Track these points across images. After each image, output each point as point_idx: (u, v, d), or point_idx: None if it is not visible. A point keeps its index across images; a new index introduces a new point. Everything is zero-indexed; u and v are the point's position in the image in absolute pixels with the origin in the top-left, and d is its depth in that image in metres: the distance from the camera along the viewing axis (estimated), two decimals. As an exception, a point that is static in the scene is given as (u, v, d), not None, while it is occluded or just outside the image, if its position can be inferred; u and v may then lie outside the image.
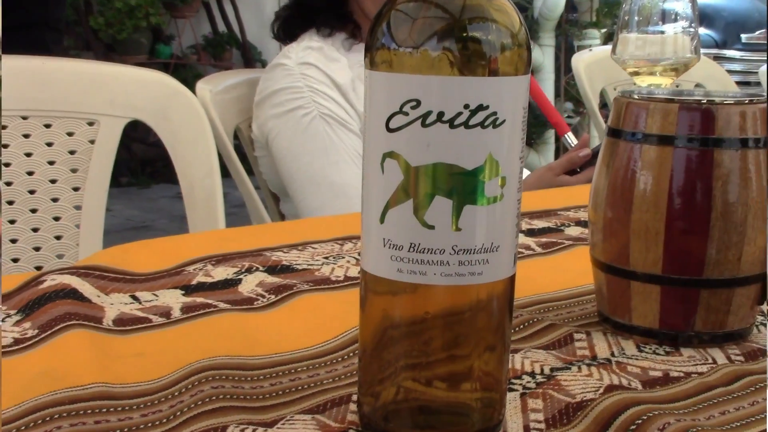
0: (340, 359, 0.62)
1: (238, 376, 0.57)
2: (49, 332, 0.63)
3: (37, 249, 1.26)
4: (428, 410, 0.50)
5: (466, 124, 0.47)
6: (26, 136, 1.23)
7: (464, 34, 0.46)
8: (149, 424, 0.52)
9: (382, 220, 0.49)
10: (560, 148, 5.15)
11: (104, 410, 0.53)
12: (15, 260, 1.24)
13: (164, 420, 0.52)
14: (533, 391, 0.57)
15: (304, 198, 1.44)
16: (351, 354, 0.62)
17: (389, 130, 0.48)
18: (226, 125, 1.48)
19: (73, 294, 0.70)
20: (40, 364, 0.59)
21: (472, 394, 0.50)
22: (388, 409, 0.50)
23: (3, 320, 0.66)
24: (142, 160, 5.44)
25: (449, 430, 0.50)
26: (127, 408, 0.53)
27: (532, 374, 0.60)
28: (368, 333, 0.51)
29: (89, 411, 0.52)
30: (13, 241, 1.24)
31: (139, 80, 1.29)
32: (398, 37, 0.47)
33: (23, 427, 0.50)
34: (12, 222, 1.24)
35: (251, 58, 5.43)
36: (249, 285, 0.77)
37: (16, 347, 0.62)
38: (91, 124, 1.30)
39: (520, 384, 0.58)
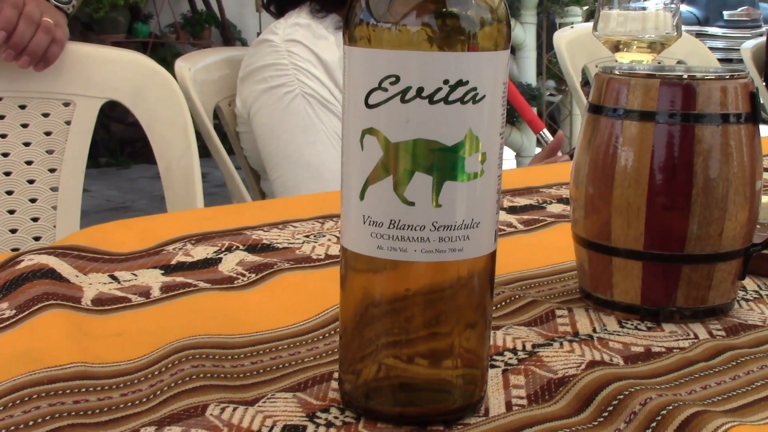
0: (320, 337, 0.62)
1: (218, 355, 0.57)
2: (26, 312, 0.63)
3: (13, 231, 1.25)
4: (409, 387, 0.50)
5: (445, 100, 0.46)
6: (1, 117, 1.22)
7: (443, 10, 0.46)
8: (129, 404, 0.52)
9: (362, 197, 0.49)
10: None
11: (83, 390, 0.53)
12: (-8, 242, 1.24)
13: (144, 399, 0.52)
14: (515, 368, 0.57)
15: (280, 175, 1.45)
16: (332, 332, 0.62)
17: (368, 106, 0.48)
18: (205, 104, 1.47)
19: (51, 274, 0.70)
20: (18, 344, 0.59)
21: (453, 371, 0.51)
22: (370, 386, 0.51)
23: (-20, 302, 0.65)
24: (121, 140, 5.41)
25: (431, 406, 0.51)
26: (106, 387, 0.53)
27: (514, 351, 0.60)
28: (349, 311, 0.51)
29: (68, 391, 0.52)
30: (-10, 222, 1.23)
31: (115, 60, 1.28)
32: (377, 12, 0.47)
33: (1, 408, 0.50)
34: (-12, 203, 1.24)
35: (230, 37, 5.40)
36: (229, 264, 0.76)
37: (-6, 328, 0.61)
38: (66, 104, 1.29)
39: (502, 360, 0.59)
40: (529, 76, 5.09)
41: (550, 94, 5.34)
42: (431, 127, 0.47)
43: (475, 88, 0.47)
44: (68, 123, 1.29)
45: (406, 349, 0.50)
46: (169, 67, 1.47)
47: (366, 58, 0.47)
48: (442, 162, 0.47)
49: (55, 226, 1.27)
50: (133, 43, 5.13)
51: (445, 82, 0.46)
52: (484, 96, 0.47)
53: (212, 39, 5.43)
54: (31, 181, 1.26)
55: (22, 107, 1.23)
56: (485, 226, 0.49)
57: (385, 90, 0.47)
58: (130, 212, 4.58)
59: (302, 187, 1.42)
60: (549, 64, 5.17)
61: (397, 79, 0.47)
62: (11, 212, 1.24)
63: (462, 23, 0.47)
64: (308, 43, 1.47)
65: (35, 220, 1.26)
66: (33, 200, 1.26)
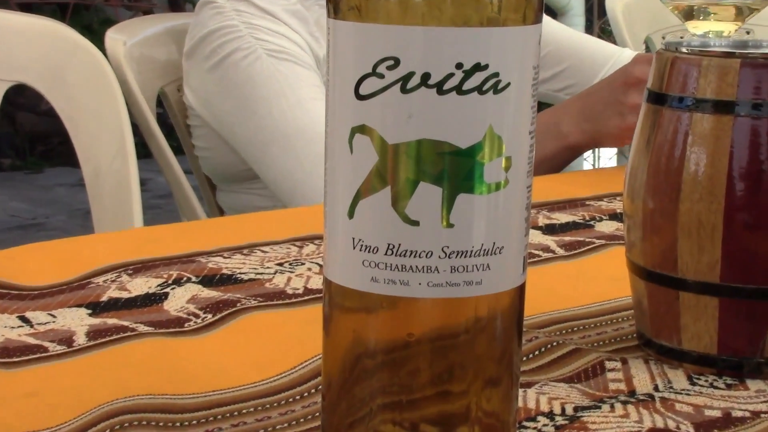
0: (297, 397, 0.63)
1: (164, 421, 0.59)
2: None
3: None
4: (414, 463, 0.52)
5: (458, 89, 0.48)
6: None
7: (456, -29, 0.48)
8: None
9: (350, 215, 0.50)
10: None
11: None
12: None
13: None
14: (552, 437, 0.59)
15: (272, 164, 1.46)
16: (312, 390, 0.64)
17: (359, 97, 0.49)
18: (146, 89, 1.49)
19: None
20: None
21: (470, 441, 0.52)
22: (362, 461, 0.52)
23: None
24: (31, 136, 5.43)
25: (441, 488, 0.52)
26: None
27: (551, 415, 0.61)
28: (334, 363, 0.53)
29: None
30: None
31: (25, 30, 1.30)
32: (371, -26, 0.49)
33: None
34: None
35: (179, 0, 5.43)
36: (178, 301, 0.78)
37: None
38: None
39: (535, 428, 0.60)
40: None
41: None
42: (440, 125, 0.48)
43: (496, 74, 0.49)
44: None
45: (409, 413, 0.51)
46: (97, 38, 1.49)
47: (357, 35, 0.49)
48: (455, 169, 0.49)
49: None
50: (47, 6, 5.15)
51: (459, 66, 0.48)
52: (508, 84, 0.49)
53: (155, 1, 5.46)
54: None
55: None
56: (511, 252, 0.51)
57: (381, 76, 0.48)
58: (43, 231, 4.60)
59: (306, 161, 1.43)
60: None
61: (397, 62, 0.48)
62: None
63: (480, -11, 0.48)
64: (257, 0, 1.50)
65: None
66: None
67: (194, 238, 0.95)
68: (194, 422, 0.59)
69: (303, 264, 0.87)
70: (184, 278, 0.83)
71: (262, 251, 0.91)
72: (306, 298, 0.80)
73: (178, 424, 0.59)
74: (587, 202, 1.11)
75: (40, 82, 1.30)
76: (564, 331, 0.75)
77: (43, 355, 0.68)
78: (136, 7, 5.29)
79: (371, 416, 0.51)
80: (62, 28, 1.32)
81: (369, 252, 0.50)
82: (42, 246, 0.92)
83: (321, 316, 0.53)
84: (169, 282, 0.82)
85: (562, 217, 1.04)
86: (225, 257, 0.88)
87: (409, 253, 0.49)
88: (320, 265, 0.87)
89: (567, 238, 0.97)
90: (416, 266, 0.49)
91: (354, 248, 0.50)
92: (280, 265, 0.87)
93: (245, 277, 0.84)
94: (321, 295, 0.79)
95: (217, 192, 1.65)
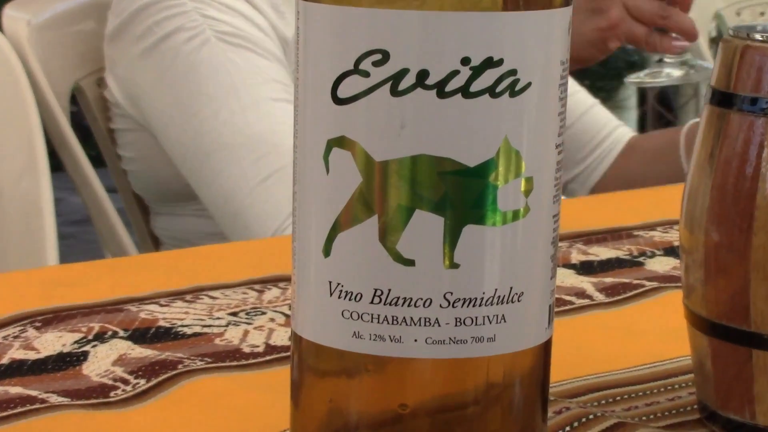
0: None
1: None
2: None
3: None
4: None
5: (465, 91, 0.50)
6: None
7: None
8: None
9: (326, 252, 0.52)
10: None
11: None
12: None
13: None
14: None
15: (212, 181, 1.47)
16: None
17: (338, 101, 0.51)
18: (56, 83, 1.51)
19: None
20: None
21: None
22: None
23: None
24: None
25: None
26: None
27: None
28: (305, 442, 0.54)
29: None
30: None
31: None
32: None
33: None
34: None
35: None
36: (101, 363, 0.79)
37: None
38: None
39: None
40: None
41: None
42: (441, 136, 0.50)
43: (513, 72, 0.50)
44: None
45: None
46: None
47: (336, 21, 0.50)
48: (460, 193, 0.50)
49: None
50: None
51: (465, 61, 0.49)
52: (529, 84, 0.50)
53: None
54: None
55: None
56: (532, 299, 0.52)
57: (366, 75, 0.50)
58: None
59: (256, 183, 1.44)
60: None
61: (386, 56, 0.50)
62: None
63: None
64: None
65: None
66: None
67: (121, 278, 0.96)
68: None
69: (264, 313, 0.89)
70: (109, 332, 0.84)
71: (211, 297, 0.92)
72: (268, 358, 0.81)
73: None
74: (635, 233, 1.12)
75: None
76: (604, 401, 0.76)
77: None
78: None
79: None
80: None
81: (350, 299, 0.51)
82: None
83: (288, 382, 0.55)
84: (90, 337, 0.83)
85: (602, 252, 1.06)
86: (162, 305, 0.90)
87: (402, 301, 0.51)
88: (287, 316, 0.88)
89: (608, 280, 0.98)
90: (411, 318, 0.51)
91: (331, 295, 0.52)
92: (234, 315, 0.88)
93: (188, 331, 0.85)
94: (288, 354, 0.81)
95: (152, 216, 1.66)
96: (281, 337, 0.84)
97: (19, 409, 0.72)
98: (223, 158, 1.47)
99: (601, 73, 5.00)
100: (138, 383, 0.76)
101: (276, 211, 1.44)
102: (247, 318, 0.88)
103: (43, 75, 1.46)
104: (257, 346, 0.83)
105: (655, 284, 0.97)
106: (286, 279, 0.96)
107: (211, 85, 1.48)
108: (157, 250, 1.66)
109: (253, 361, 0.81)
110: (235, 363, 0.80)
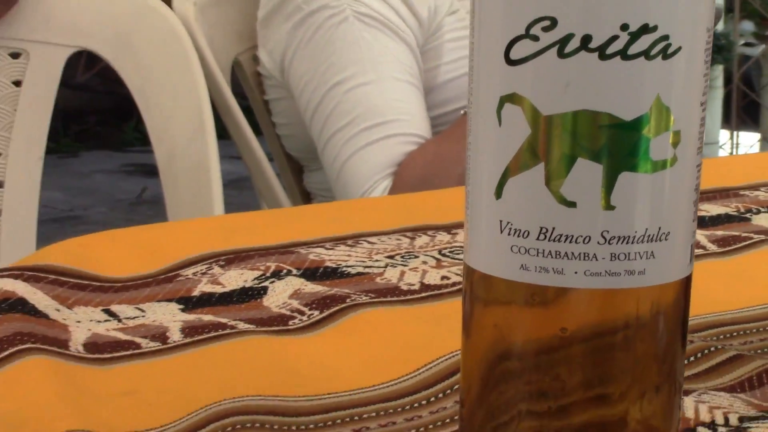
0: (424, 402, 0.67)
1: (279, 425, 0.63)
2: None
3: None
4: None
5: (623, 54, 0.51)
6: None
7: None
8: None
9: (498, 195, 0.53)
10: (732, 94, 5.16)
11: None
12: None
13: None
14: (715, 452, 0.62)
15: (328, 141, 1.52)
16: (440, 395, 0.67)
17: (510, 62, 0.52)
18: (220, 58, 1.54)
19: (22, 306, 0.76)
20: None
21: (627, 452, 0.55)
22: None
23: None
24: (64, 114, 5.53)
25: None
26: None
27: (712, 426, 0.64)
28: (475, 363, 0.56)
29: None
30: None
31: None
32: None
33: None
34: None
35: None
36: (279, 296, 0.82)
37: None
38: (15, 56, 1.36)
39: (695, 441, 0.63)
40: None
41: (746, 44, 5.33)
42: (602, 94, 0.51)
43: (666, 37, 0.51)
44: (17, 84, 1.36)
45: (558, 421, 0.54)
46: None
47: (508, -8, 0.52)
48: (617, 144, 0.52)
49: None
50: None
51: (624, 27, 0.51)
52: (679, 48, 0.52)
53: None
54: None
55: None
56: (678, 239, 0.54)
57: (536, 39, 0.52)
58: (82, 225, 4.68)
59: (363, 150, 1.48)
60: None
61: (554, 22, 0.51)
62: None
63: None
64: None
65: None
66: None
67: (290, 225, 0.99)
68: (311, 426, 0.63)
69: (416, 257, 0.91)
70: (284, 271, 0.87)
71: (369, 242, 0.94)
72: (423, 294, 0.83)
73: (294, 427, 0.63)
74: (741, 192, 1.13)
75: (105, 49, 1.35)
76: (722, 336, 0.78)
77: (135, 351, 0.73)
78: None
79: (515, 424, 0.55)
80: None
81: (518, 236, 0.53)
82: (117, 234, 0.97)
83: (441, 315, 0.57)
84: (267, 275, 0.86)
85: (712, 209, 1.07)
86: (327, 248, 0.92)
87: (564, 238, 0.53)
88: (437, 259, 0.91)
89: (719, 233, 1.00)
90: (572, 253, 0.52)
91: (501, 232, 0.53)
92: (391, 257, 0.91)
93: (352, 271, 0.88)
94: (439, 292, 0.83)
95: (305, 173, 1.71)
96: (433, 278, 0.86)
97: (213, 333, 0.76)
98: (339, 122, 1.52)
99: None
100: (312, 314, 0.79)
101: (370, 174, 1.49)
102: (402, 261, 0.90)
103: (209, 52, 1.49)
104: (413, 285, 0.85)
105: (762, 237, 0.99)
106: (433, 228, 0.98)
107: (343, 58, 1.52)
108: (308, 206, 1.71)
109: (410, 297, 0.83)
110: (395, 299, 0.83)
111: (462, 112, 1.65)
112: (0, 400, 0.66)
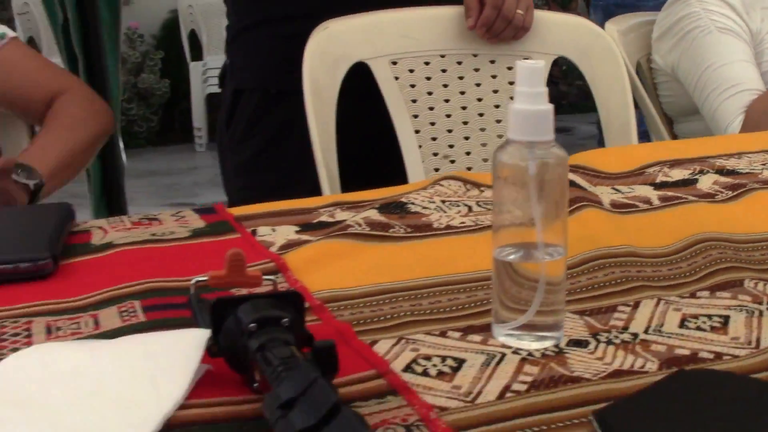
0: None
1: (731, 247, 1.18)
2: (573, 207, 1.30)
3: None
4: None
5: None
6: (476, 69, 2.06)
7: None
8: (673, 277, 1.10)
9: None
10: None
11: (636, 264, 1.14)
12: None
13: (687, 274, 1.10)
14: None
15: (705, 102, 2.40)
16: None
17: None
18: (632, 60, 2.46)
19: (571, 183, 1.37)
20: (575, 231, 1.09)
21: None
22: None
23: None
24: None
25: None
26: (652, 263, 1.14)
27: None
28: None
29: (621, 263, 1.13)
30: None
31: (562, 23, 2.15)
32: None
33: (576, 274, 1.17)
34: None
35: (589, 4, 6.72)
36: (706, 183, 1.39)
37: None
38: (525, 60, 2.12)
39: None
40: None
41: None
42: None
43: None
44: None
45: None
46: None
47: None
48: None
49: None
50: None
51: None
52: None
53: (578, 10, 7.15)
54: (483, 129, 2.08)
55: (492, 62, 2.07)
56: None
57: None
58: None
59: (730, 100, 2.35)
60: None
61: None
62: (468, 153, 2.08)
63: None
64: None
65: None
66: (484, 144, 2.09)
67: (701, 147, 1.66)
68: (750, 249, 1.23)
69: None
70: (705, 170, 1.52)
71: (747, 156, 1.62)
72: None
73: (740, 249, 1.22)
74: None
75: (574, 56, 2.11)
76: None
77: (634, 210, 1.38)
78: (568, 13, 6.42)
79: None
80: (587, 21, 2.18)
81: None
82: (611, 151, 1.79)
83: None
84: (696, 172, 1.52)
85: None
86: (725, 159, 1.60)
87: None
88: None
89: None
90: None
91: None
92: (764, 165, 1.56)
93: (751, 170, 1.55)
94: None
95: (675, 124, 2.62)
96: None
97: (674, 202, 1.39)
98: (711, 87, 2.40)
99: None
100: (727, 193, 1.43)
101: (732, 115, 2.37)
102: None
103: (626, 56, 2.34)
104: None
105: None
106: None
107: (711, 54, 2.43)
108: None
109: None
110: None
111: None
112: (580, 228, 1.29)
